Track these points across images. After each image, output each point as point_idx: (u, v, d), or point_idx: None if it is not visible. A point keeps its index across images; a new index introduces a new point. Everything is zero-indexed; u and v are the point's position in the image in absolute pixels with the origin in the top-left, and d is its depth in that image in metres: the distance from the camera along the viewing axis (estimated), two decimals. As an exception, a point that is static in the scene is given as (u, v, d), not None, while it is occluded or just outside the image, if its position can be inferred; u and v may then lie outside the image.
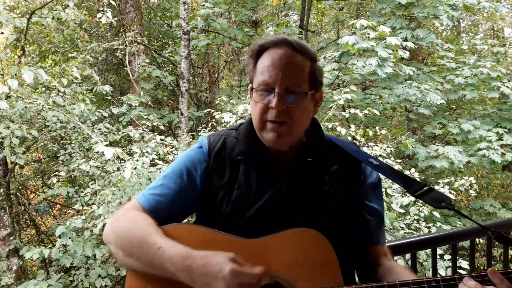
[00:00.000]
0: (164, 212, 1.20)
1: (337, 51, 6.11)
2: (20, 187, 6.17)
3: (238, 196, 1.19)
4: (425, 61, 9.93)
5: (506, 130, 6.47)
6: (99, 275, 4.37)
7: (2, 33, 6.34)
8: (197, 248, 1.08)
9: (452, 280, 0.99)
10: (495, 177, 8.68)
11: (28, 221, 6.16)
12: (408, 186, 1.21)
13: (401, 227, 4.30)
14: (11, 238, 4.55)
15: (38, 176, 7.30)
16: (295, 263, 1.08)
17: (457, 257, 1.83)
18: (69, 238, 4.11)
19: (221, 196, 1.20)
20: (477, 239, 1.98)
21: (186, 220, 1.36)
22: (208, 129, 5.57)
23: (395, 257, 1.58)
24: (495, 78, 6.54)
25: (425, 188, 1.18)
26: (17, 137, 4.39)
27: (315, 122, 1.29)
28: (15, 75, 4.65)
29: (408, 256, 2.72)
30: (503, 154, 6.04)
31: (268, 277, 1.08)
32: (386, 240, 1.37)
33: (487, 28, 11.95)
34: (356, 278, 1.26)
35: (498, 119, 6.94)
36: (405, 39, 6.27)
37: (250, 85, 1.23)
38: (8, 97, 4.76)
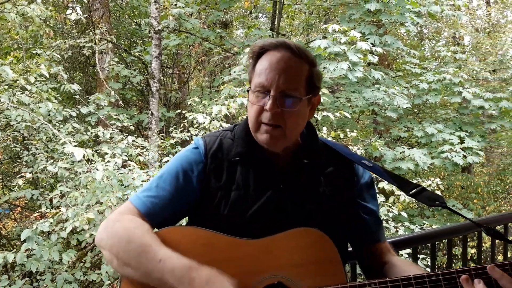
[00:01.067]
0: (160, 214, 1.18)
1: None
2: (-20, 189, 5.86)
3: (236, 197, 1.18)
4: (390, 66, 10.26)
5: (468, 134, 6.78)
6: (65, 280, 4.22)
7: (-39, 27, 6.02)
8: (197, 250, 1.08)
9: (451, 274, 1.02)
10: (456, 178, 9.08)
11: (-12, 224, 5.86)
12: (403, 186, 1.25)
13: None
14: (-29, 243, 4.30)
15: (-2, 178, 6.96)
16: (298, 262, 1.08)
17: (435, 256, 1.90)
18: (35, 242, 3.95)
19: (218, 197, 1.19)
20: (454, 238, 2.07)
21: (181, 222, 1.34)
22: (180, 129, 5.51)
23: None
24: (457, 84, 6.84)
25: (419, 188, 1.22)
26: (-22, 136, 4.17)
27: (310, 125, 1.31)
28: (-24, 71, 4.43)
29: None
30: (464, 156, 6.32)
31: (271, 277, 1.08)
32: None
33: (448, 35, 12.49)
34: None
35: (459, 123, 7.27)
36: (373, 44, 6.46)
37: (249, 87, 1.23)
38: (-32, 94, 4.53)
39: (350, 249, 1.35)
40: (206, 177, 1.21)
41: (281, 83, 1.13)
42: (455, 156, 6.28)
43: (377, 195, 4.19)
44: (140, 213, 1.17)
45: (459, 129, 7.08)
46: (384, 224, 4.43)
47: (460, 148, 6.40)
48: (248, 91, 1.20)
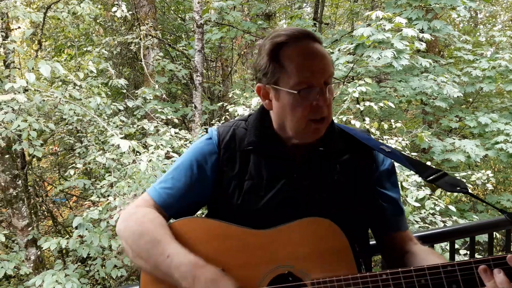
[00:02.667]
0: (176, 205, 1.20)
1: (352, 43, 6.05)
2: (38, 179, 6.28)
3: (249, 187, 1.18)
4: (441, 53, 9.76)
5: (525, 123, 6.34)
6: (115, 266, 4.44)
7: (19, 27, 6.43)
8: (210, 241, 1.10)
9: (468, 264, 0.97)
10: (513, 171, 8.53)
11: (45, 212, 6.28)
12: (421, 171, 1.20)
13: (416, 221, 4.27)
14: (29, 228, 4.64)
15: (55, 169, 7.42)
16: (308, 252, 1.08)
17: (475, 252, 1.80)
18: (86, 229, 4.18)
19: (232, 187, 1.19)
20: (495, 233, 1.95)
21: (199, 212, 1.36)
22: (221, 122, 5.58)
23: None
24: (514, 70, 6.40)
25: (439, 173, 1.17)
26: (34, 130, 4.46)
27: None
28: (32, 69, 4.72)
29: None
30: (521, 147, 5.92)
31: (281, 267, 1.08)
32: None
33: (506, 19, 11.68)
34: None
35: (516, 112, 6.81)
36: (422, 31, 6.17)
37: (260, 85, 1.18)
38: (25, 90, 4.84)
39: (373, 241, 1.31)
40: (220, 168, 1.21)
41: (325, 73, 1.11)
42: (511, 147, 5.89)
43: (423, 187, 4.01)
44: (156, 204, 1.20)
45: (516, 119, 6.63)
46: (430, 218, 4.27)
47: (516, 138, 6.00)
48: (297, 92, 1.11)
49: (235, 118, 1.51)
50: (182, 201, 1.20)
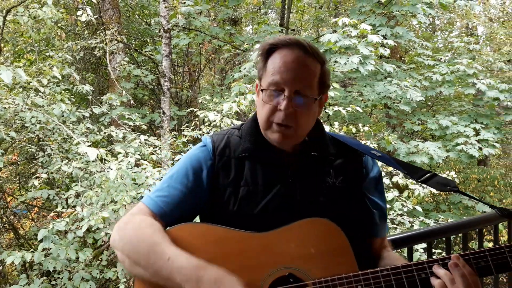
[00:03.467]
0: (172, 214, 1.19)
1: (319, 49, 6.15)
2: (-2, 190, 5.98)
3: (245, 193, 1.19)
4: (402, 58, 10.12)
5: (483, 126, 6.66)
6: (83, 278, 4.28)
7: (-25, 31, 6.11)
8: (208, 246, 1.09)
9: (422, 264, 1.03)
10: (472, 171, 8.94)
11: (6, 224, 5.97)
12: (412, 173, 1.24)
13: (385, 222, 4.37)
14: (-10, 243, 4.39)
15: (15, 179, 7.09)
16: (308, 253, 1.09)
17: (450, 251, 1.87)
18: (52, 242, 4.01)
19: (227, 194, 1.20)
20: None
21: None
22: (191, 128, 5.53)
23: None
24: (471, 75, 6.72)
25: (429, 174, 1.21)
26: (-6, 138, 4.25)
27: (317, 121, 1.30)
28: (-9, 75, 4.49)
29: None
30: (480, 149, 6.21)
31: (282, 269, 1.08)
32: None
33: (461, 26, 12.27)
34: None
35: (474, 115, 7.14)
36: (385, 37, 6.38)
37: (256, 82, 1.23)
38: (-17, 97, 4.61)
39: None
40: (215, 175, 1.22)
41: (297, 82, 1.13)
42: (471, 148, 6.17)
43: (391, 189, 4.12)
44: (153, 213, 1.19)
45: (474, 121, 6.96)
46: (399, 219, 4.39)
47: (476, 140, 6.30)
48: (259, 89, 1.19)
49: (232, 125, 1.53)
50: (178, 209, 1.20)
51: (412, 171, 1.24)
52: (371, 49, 5.75)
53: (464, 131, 6.47)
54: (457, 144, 6.40)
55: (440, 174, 1.23)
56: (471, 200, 6.79)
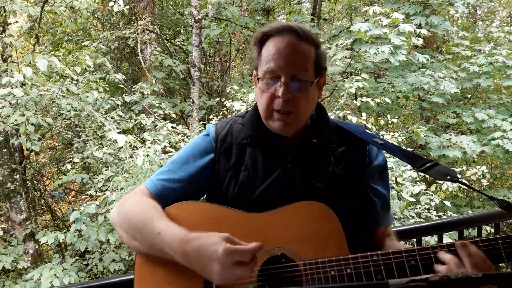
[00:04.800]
0: (170, 196, 1.23)
1: (349, 39, 6.04)
2: (36, 174, 6.29)
3: (245, 177, 1.22)
4: (439, 49, 9.76)
5: (521, 120, 6.35)
6: (113, 260, 4.47)
7: (17, 21, 6.41)
8: (206, 224, 1.13)
9: (426, 250, 1.03)
10: (509, 167, 8.55)
11: (44, 206, 6.29)
12: (413, 162, 1.22)
13: (411, 216, 4.29)
14: (27, 223, 4.66)
15: (53, 163, 7.43)
16: (300, 235, 1.11)
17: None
18: (83, 224, 4.20)
19: (228, 178, 1.23)
20: (485, 227, 1.97)
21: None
22: (219, 117, 5.59)
23: (401, 242, 1.59)
24: (511, 67, 6.41)
25: (431, 163, 1.19)
26: (32, 124, 4.47)
27: (320, 106, 1.31)
28: (30, 63, 4.72)
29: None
30: (517, 143, 5.94)
31: (274, 249, 1.11)
32: (393, 225, 1.38)
33: (504, 15, 11.65)
34: None
35: (513, 108, 6.82)
36: (419, 26, 6.17)
37: (254, 73, 1.24)
38: (23, 84, 4.84)
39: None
40: (216, 161, 1.26)
41: (291, 68, 1.14)
42: (507, 143, 5.91)
43: (418, 183, 4.02)
44: (151, 194, 1.24)
45: (512, 115, 6.65)
46: (426, 213, 4.29)
47: (513, 134, 6.02)
48: (256, 78, 1.20)
49: (233, 115, 1.56)
50: (176, 193, 1.24)
51: (413, 159, 1.23)
52: (403, 38, 5.57)
53: (501, 125, 6.20)
54: (493, 139, 6.14)
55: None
56: (506, 196, 6.52)
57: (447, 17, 9.40)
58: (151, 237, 1.10)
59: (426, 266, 1.01)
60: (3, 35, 5.99)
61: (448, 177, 1.14)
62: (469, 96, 8.43)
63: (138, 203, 1.20)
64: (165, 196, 1.23)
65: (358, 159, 1.26)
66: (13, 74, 4.31)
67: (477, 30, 10.75)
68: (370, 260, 1.04)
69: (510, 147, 5.85)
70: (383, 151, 1.32)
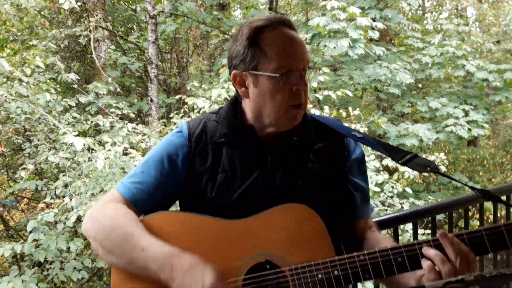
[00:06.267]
0: (146, 201, 1.17)
1: (307, 33, 6.10)
2: (-15, 183, 5.88)
3: (222, 179, 1.16)
4: (392, 41, 10.08)
5: (472, 107, 6.69)
6: (75, 268, 4.27)
7: (-45, 20, 5.95)
8: (185, 235, 1.08)
9: (412, 246, 1.02)
10: (461, 152, 9.02)
11: (-5, 217, 5.91)
12: (393, 155, 1.22)
13: (375, 204, 4.40)
14: (-21, 235, 4.35)
15: (3, 170, 7.00)
16: (284, 239, 1.08)
17: (436, 231, 1.87)
18: (41, 232, 3.98)
19: (205, 181, 1.17)
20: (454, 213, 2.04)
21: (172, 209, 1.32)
22: (181, 115, 5.47)
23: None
24: (461, 57, 6.72)
25: (410, 155, 1.19)
26: (-22, 130, 4.16)
27: None
28: (-28, 65, 4.39)
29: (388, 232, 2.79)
30: (469, 130, 6.25)
31: (258, 256, 1.07)
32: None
33: (451, 7, 12.24)
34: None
35: (464, 96, 7.17)
36: (374, 19, 6.32)
37: (240, 72, 1.15)
38: (-34, 88, 4.50)
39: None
40: (191, 161, 1.19)
41: (304, 60, 1.13)
42: (460, 129, 6.21)
43: (382, 172, 4.13)
44: (126, 200, 1.16)
45: (463, 103, 6.98)
46: (389, 201, 4.42)
47: (465, 121, 6.33)
48: (278, 76, 1.11)
49: (206, 112, 1.51)
50: (153, 196, 1.17)
51: (393, 152, 1.22)
52: (361, 32, 5.70)
53: (454, 113, 6.50)
54: (447, 126, 6.43)
55: (422, 156, 1.22)
56: (461, 178, 6.86)
57: (398, 9, 9.72)
58: (134, 252, 1.03)
59: (413, 262, 1.01)
60: None
61: (429, 168, 1.15)
62: (420, 86, 8.78)
63: (115, 214, 1.11)
64: (141, 200, 1.16)
65: (337, 153, 1.24)
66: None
67: (426, 22, 11.21)
68: (357, 260, 1.03)
69: (463, 133, 6.15)
70: (361, 144, 1.31)
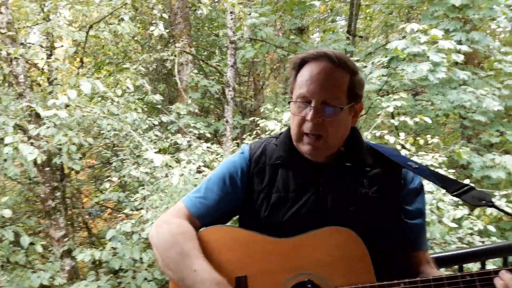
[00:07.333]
0: (209, 215, 1.26)
1: (386, 56, 5.93)
2: (75, 191, 6.50)
3: (276, 199, 1.23)
4: (481, 65, 9.40)
5: None
6: (145, 278, 4.50)
7: (62, 45, 6.75)
8: (236, 249, 1.15)
9: (488, 274, 0.99)
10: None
11: (81, 223, 6.47)
12: (448, 186, 1.20)
13: (453, 241, 4.08)
14: (65, 239, 4.80)
15: (91, 181, 7.68)
16: (328, 260, 1.11)
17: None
18: (119, 241, 4.28)
19: (260, 200, 1.24)
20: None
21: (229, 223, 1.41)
22: (252, 136, 5.60)
23: (441, 269, 1.50)
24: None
25: (466, 187, 1.16)
26: (74, 144, 4.63)
27: (354, 130, 1.30)
28: (74, 85, 4.93)
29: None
30: None
31: (301, 274, 1.11)
32: (433, 252, 1.33)
33: (552, 28, 11.13)
34: None
35: None
36: (459, 42, 5.98)
37: (290, 96, 1.26)
38: (67, 106, 5.06)
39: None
40: (250, 180, 1.27)
41: (323, 93, 1.16)
42: (557, 164, 5.54)
43: (461, 207, 3.83)
44: (190, 213, 1.26)
45: None
46: (468, 238, 4.07)
47: None
48: (289, 102, 1.23)
49: (267, 135, 1.61)
50: (214, 210, 1.26)
51: (448, 184, 1.20)
52: (443, 55, 5.41)
53: (551, 145, 5.83)
54: (542, 159, 5.78)
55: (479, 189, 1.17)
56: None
57: (488, 32, 9.09)
58: (186, 272, 1.11)
59: None
60: (50, 59, 6.32)
61: (483, 202, 1.11)
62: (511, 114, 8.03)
63: (177, 231, 1.20)
64: (204, 214, 1.26)
65: (392, 181, 1.24)
66: (58, 96, 4.51)
67: (521, 44, 10.29)
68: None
69: (560, 168, 5.49)
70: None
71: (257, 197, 1.25)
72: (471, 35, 6.24)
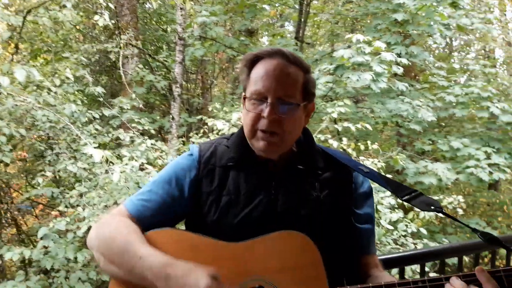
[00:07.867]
0: (151, 218, 1.19)
1: (332, 64, 6.14)
2: (4, 185, 6.04)
3: (226, 202, 1.19)
4: (417, 77, 10.04)
5: (495, 150, 6.53)
6: (80, 279, 4.28)
7: (-5, 29, 6.25)
8: (183, 252, 1.08)
9: (439, 280, 1.01)
10: (481, 195, 8.75)
11: (9, 219, 6.02)
12: (398, 191, 1.22)
13: (388, 242, 4.30)
14: (-8, 237, 4.43)
15: (22, 175, 7.18)
16: (279, 266, 1.08)
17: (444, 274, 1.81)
18: (51, 240, 4.03)
19: (209, 202, 1.20)
20: (465, 257, 1.96)
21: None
22: (199, 135, 5.53)
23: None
24: (486, 98, 6.62)
25: (415, 193, 1.20)
26: (4, 134, 4.31)
27: (306, 132, 1.31)
28: (7, 72, 4.58)
29: (394, 271, 2.71)
30: (490, 173, 6.08)
31: (252, 280, 1.07)
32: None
33: (479, 48, 12.16)
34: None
35: (487, 138, 7.01)
36: (399, 55, 6.34)
37: (243, 93, 1.23)
38: (-3, 94, 4.68)
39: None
40: (198, 183, 1.22)
41: (278, 90, 1.14)
42: (481, 172, 6.04)
43: (396, 210, 4.07)
44: (132, 216, 1.19)
45: (486, 145, 6.82)
46: (402, 240, 4.31)
47: (486, 164, 6.16)
48: (243, 98, 1.20)
49: (215, 134, 1.56)
50: (157, 214, 1.20)
51: (398, 189, 1.23)
52: (385, 66, 5.71)
53: (475, 154, 6.35)
54: (467, 167, 6.27)
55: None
56: (478, 224, 6.63)
57: (425, 47, 9.72)
58: (132, 261, 1.05)
59: None
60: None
61: (432, 207, 1.15)
62: (443, 124, 8.65)
63: (118, 226, 1.14)
64: (145, 217, 1.19)
65: (343, 185, 1.25)
66: (-13, 82, 4.15)
67: (452, 61, 11.14)
68: None
69: (484, 176, 5.99)
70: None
71: (205, 200, 1.20)
72: (410, 49, 6.64)
